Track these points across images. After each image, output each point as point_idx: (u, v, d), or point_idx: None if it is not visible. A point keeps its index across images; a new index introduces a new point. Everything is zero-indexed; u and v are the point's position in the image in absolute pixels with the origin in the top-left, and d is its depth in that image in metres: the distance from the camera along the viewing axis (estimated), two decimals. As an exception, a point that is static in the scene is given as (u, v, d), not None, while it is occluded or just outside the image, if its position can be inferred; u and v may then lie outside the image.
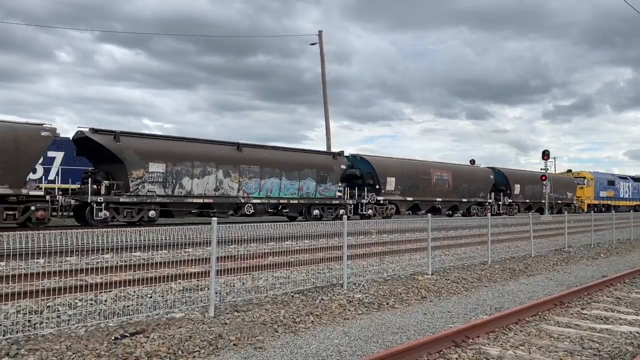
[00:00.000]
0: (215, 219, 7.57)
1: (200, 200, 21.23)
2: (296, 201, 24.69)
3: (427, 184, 31.28)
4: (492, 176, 36.38)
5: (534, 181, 40.45)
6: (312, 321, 7.08)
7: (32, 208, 16.87)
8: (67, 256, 7.75)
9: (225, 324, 6.74)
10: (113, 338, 5.90)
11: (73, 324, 6.37)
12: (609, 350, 5.98)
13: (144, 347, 5.65)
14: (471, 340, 6.18)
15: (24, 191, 16.68)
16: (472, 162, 42.71)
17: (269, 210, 24.30)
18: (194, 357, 5.52)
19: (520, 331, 6.80)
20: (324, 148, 34.37)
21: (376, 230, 15.26)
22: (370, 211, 27.65)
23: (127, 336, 5.99)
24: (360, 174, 28.62)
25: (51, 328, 6.24)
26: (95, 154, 19.87)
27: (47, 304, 7.03)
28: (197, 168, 21.05)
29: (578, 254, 16.08)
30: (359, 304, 8.18)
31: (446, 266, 12.28)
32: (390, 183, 29.05)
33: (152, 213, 19.71)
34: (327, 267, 10.41)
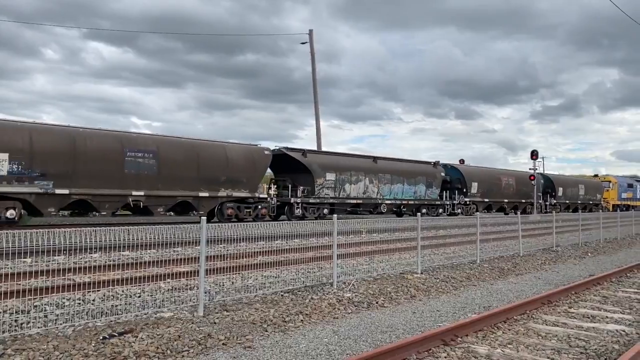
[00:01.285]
0: (205, 218, 7.55)
1: (354, 201, 28.29)
2: (412, 202, 31.60)
3: (498, 188, 38.69)
4: (542, 180, 44.07)
5: (572, 185, 48.87)
6: (302, 320, 7.08)
7: (259, 207, 23.66)
8: (55, 255, 7.70)
9: (215, 323, 6.72)
10: (101, 338, 5.86)
11: (60, 324, 6.32)
12: (596, 349, 6.04)
13: (132, 346, 5.62)
14: (460, 339, 6.21)
15: (256, 195, 23.63)
16: (462, 161, 42.93)
17: (394, 209, 30.67)
18: (183, 356, 5.49)
19: (509, 330, 6.84)
20: (314, 147, 34.45)
21: (366, 230, 15.28)
22: (459, 210, 34.23)
23: (115, 336, 5.95)
24: (450, 180, 35.07)
25: (38, 328, 6.18)
26: (288, 166, 26.09)
27: (34, 304, 6.98)
28: (353, 176, 28.20)
29: (566, 253, 16.21)
30: (348, 303, 8.19)
31: (435, 265, 12.33)
32: (474, 187, 35.99)
33: (325, 211, 26.45)
34: (317, 266, 10.42)
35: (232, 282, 9.03)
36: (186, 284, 8.66)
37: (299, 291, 8.81)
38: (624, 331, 6.89)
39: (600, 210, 29.37)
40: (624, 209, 54.42)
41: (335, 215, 10.09)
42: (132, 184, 19.35)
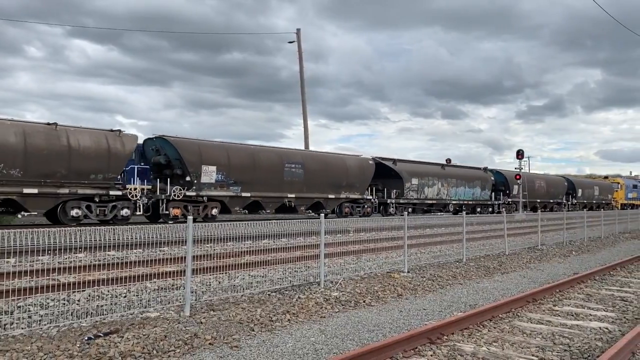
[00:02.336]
0: (191, 217, 7.51)
1: (430, 202, 33.97)
2: (471, 202, 37.52)
3: (533, 189, 43.96)
4: (565, 183, 50.89)
5: (589, 187, 55.26)
6: (289, 319, 7.08)
7: (365, 206, 29.39)
8: (39, 255, 7.61)
9: (201, 323, 6.69)
10: (86, 338, 5.81)
11: (45, 325, 6.26)
12: (579, 346, 6.11)
13: (117, 347, 5.58)
14: (446, 337, 6.26)
15: (364, 196, 29.27)
16: (448, 161, 43.13)
17: (457, 208, 35.69)
18: (169, 356, 5.47)
19: (494, 328, 6.90)
20: (301, 146, 34.48)
21: (354, 229, 15.31)
22: (503, 209, 38.28)
23: (100, 336, 5.90)
24: (495, 182, 40.21)
25: (22, 329, 6.11)
26: (380, 172, 30.63)
27: (18, 304, 6.90)
28: (430, 181, 33.86)
29: (551, 252, 16.39)
30: (335, 302, 8.21)
31: (422, 264, 12.40)
32: (516, 189, 40.92)
33: (410, 210, 31.29)
34: (305, 265, 10.43)
35: (219, 282, 9.01)
36: (173, 284, 8.62)
37: (286, 290, 8.81)
38: (607, 328, 6.98)
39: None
40: (630, 207, 60.55)
41: (322, 215, 10.11)
42: (288, 188, 25.17)
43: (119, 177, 19.87)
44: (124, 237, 8.94)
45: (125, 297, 7.84)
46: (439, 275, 11.00)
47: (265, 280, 9.08)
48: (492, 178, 40.21)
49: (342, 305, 8.10)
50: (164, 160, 21.53)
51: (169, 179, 20.90)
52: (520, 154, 40.74)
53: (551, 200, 47.82)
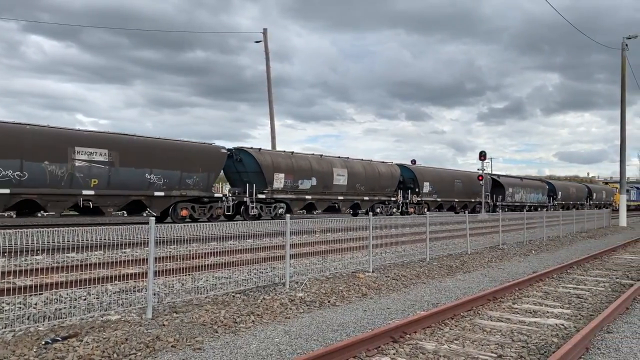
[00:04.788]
0: (153, 218, 7.40)
1: (517, 204, 47.90)
2: (535, 204, 51.20)
3: (566, 193, 58.18)
4: (586, 189, 64.43)
5: (599, 191, 68.43)
6: (253, 321, 7.06)
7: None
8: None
9: (164, 325, 6.60)
10: (43, 343, 5.66)
11: (-1, 329, 6.06)
12: (537, 342, 6.30)
13: (76, 351, 5.45)
14: (408, 336, 6.35)
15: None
16: (413, 162, 43.73)
17: (529, 209, 46.62)
18: (130, 359, 5.38)
19: (456, 326, 7.04)
20: (268, 147, 34.33)
21: (320, 229, 15.33)
22: (552, 209, 50.21)
23: (58, 340, 5.76)
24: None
25: (-25, 334, 5.91)
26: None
27: (-29, 309, 6.66)
28: (521, 190, 50.17)
29: (511, 251, 16.80)
30: (300, 302, 8.22)
31: (387, 263, 12.53)
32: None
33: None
34: (270, 266, 10.39)
35: (182, 284, 8.90)
36: (134, 286, 8.46)
37: (250, 291, 8.78)
38: (563, 325, 7.21)
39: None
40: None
41: (288, 215, 10.10)
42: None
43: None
44: (84, 239, 8.72)
45: (85, 299, 7.67)
46: (403, 275, 11.14)
47: (229, 282, 9.02)
48: (547, 186, 51.48)
49: (307, 305, 8.12)
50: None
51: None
52: (482, 156, 41.59)
53: (579, 203, 60.47)
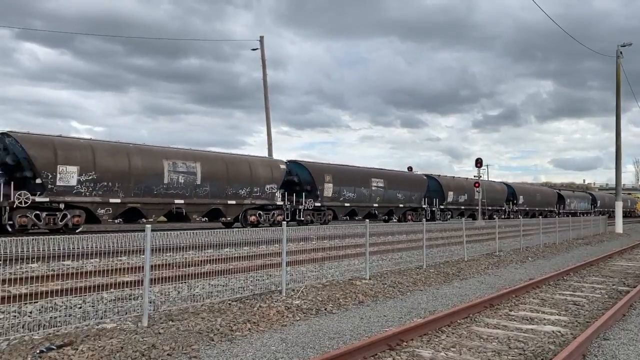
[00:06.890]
0: (149, 226, 7.38)
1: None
2: (573, 211, 58.86)
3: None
4: (590, 196, 73.11)
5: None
6: (250, 329, 7.03)
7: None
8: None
9: (159, 333, 6.57)
10: (38, 351, 5.62)
11: (-6, 338, 6.02)
12: (533, 350, 6.29)
13: (71, 359, 5.42)
14: (405, 344, 6.33)
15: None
16: (410, 169, 43.82)
17: (567, 215, 50.29)
18: (126, 368, 5.34)
19: (452, 333, 7.03)
20: (265, 154, 34.33)
21: (316, 237, 15.31)
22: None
23: (53, 349, 5.72)
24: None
25: (-31, 343, 5.86)
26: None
27: (-35, 317, 6.61)
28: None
29: (508, 258, 16.81)
30: (297, 310, 8.20)
31: (383, 271, 12.51)
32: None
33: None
34: (266, 273, 10.37)
35: (179, 292, 8.87)
36: (130, 294, 8.43)
37: (247, 299, 8.75)
38: (559, 332, 7.21)
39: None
40: None
41: (284, 223, 10.09)
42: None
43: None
44: (80, 246, 8.69)
45: (80, 307, 7.63)
46: (399, 282, 11.12)
47: (226, 289, 8.99)
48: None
49: (304, 313, 8.09)
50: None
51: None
52: (479, 163, 41.72)
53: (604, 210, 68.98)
